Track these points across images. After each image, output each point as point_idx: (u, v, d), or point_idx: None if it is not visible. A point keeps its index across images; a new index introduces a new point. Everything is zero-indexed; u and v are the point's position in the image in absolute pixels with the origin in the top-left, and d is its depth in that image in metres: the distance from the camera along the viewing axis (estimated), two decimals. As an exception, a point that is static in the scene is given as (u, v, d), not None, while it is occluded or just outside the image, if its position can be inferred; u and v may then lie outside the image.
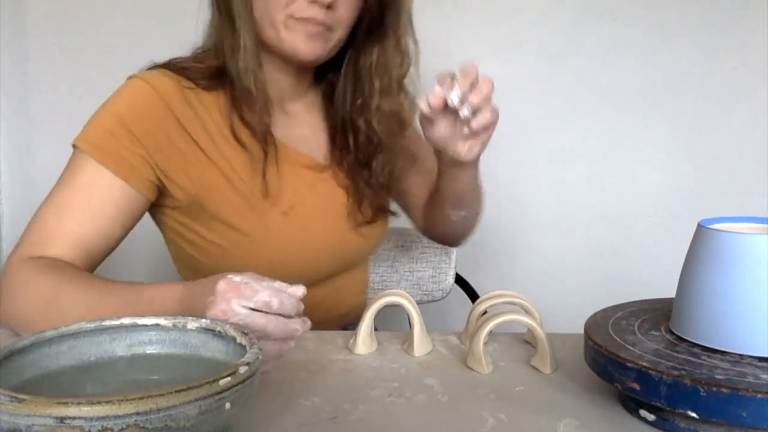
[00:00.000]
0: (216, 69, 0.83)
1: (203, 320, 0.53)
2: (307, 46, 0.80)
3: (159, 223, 0.89)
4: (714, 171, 1.60)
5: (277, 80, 0.86)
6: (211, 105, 0.83)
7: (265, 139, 0.83)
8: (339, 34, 0.82)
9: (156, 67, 0.83)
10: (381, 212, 0.94)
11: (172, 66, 0.83)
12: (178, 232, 0.86)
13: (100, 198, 0.76)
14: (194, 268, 0.87)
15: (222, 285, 0.58)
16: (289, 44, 0.81)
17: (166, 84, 0.80)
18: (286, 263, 0.84)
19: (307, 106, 0.93)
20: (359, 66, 0.88)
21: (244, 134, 0.83)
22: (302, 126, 0.91)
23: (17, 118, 1.57)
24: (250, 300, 0.57)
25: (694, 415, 0.48)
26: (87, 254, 0.76)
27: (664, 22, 1.56)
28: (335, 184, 0.91)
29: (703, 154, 1.60)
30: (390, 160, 0.92)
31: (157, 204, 0.83)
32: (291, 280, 0.66)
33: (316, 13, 0.78)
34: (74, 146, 0.78)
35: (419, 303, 0.94)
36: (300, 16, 0.78)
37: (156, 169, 0.78)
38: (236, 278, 0.59)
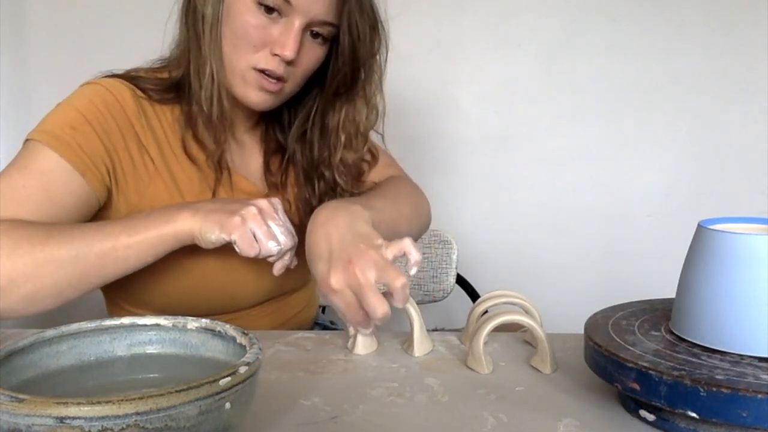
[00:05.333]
0: (175, 81, 0.83)
1: (203, 320, 0.53)
2: (259, 96, 0.82)
3: None
4: (714, 171, 1.60)
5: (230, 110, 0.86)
6: (164, 117, 0.83)
7: (219, 162, 0.84)
8: (291, 87, 0.84)
9: (109, 76, 0.83)
10: None
11: (125, 76, 0.83)
12: None
13: (58, 186, 0.74)
14: (117, 282, 0.78)
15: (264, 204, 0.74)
16: (241, 93, 0.82)
17: (122, 90, 0.80)
18: (219, 282, 0.84)
19: (252, 135, 0.93)
20: (326, 121, 0.89)
21: (196, 151, 0.83)
22: (247, 151, 0.92)
23: (17, 117, 1.58)
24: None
25: (694, 415, 0.48)
26: None
27: (664, 22, 1.56)
28: None
29: (703, 154, 1.60)
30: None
31: (94, 216, 0.81)
32: (221, 302, 0.86)
33: (276, 66, 0.79)
34: (28, 140, 0.76)
35: (420, 303, 0.94)
36: (260, 67, 0.79)
37: (109, 171, 0.78)
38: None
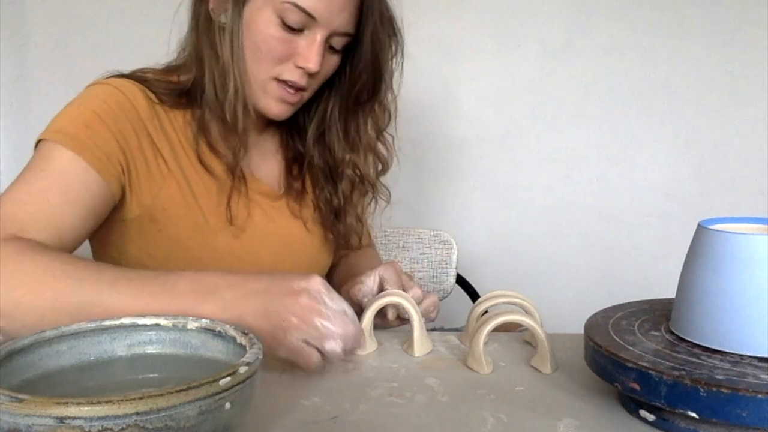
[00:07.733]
0: (187, 87, 0.82)
1: (203, 320, 0.53)
2: (279, 108, 0.83)
3: (97, 238, 0.84)
4: (714, 171, 1.60)
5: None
6: (176, 121, 0.83)
7: (234, 170, 0.83)
8: (308, 95, 0.85)
9: (118, 76, 0.82)
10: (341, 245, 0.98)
11: (134, 76, 0.82)
12: (118, 247, 0.82)
13: (76, 186, 0.73)
14: None
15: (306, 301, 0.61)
16: (263, 105, 0.82)
17: (133, 91, 0.80)
18: None
19: (265, 137, 0.94)
20: (347, 125, 0.90)
21: (209, 158, 0.83)
22: (260, 154, 0.92)
23: (17, 118, 1.58)
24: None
25: (694, 415, 0.48)
26: (60, 242, 0.70)
27: (664, 22, 1.56)
28: (288, 213, 0.91)
29: (703, 154, 1.60)
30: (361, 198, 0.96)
31: (107, 217, 0.79)
32: None
33: (299, 78, 0.80)
34: (42, 140, 0.75)
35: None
36: (283, 78, 0.80)
37: (124, 170, 0.77)
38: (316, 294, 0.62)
